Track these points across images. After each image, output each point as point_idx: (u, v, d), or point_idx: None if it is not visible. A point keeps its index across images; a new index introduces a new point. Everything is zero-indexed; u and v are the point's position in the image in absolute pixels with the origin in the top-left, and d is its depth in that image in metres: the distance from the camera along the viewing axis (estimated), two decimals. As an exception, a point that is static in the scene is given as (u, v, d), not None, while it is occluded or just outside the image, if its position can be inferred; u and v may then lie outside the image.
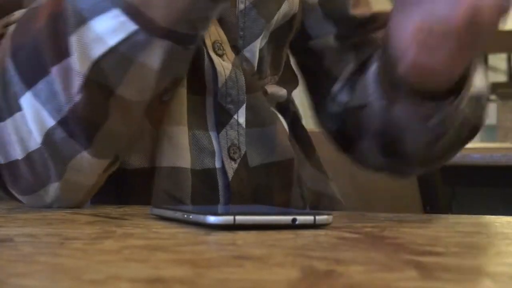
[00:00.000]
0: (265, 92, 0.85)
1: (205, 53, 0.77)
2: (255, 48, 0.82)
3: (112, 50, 0.65)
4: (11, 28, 0.69)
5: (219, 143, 0.78)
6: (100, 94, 0.66)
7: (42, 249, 0.44)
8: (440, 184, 2.12)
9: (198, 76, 0.77)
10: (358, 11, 0.90)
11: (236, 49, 0.81)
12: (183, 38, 0.66)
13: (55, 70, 0.65)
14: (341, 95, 0.92)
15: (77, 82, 0.65)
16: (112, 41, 0.65)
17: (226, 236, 0.48)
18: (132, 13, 0.64)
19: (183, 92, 0.77)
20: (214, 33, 0.79)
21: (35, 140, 0.67)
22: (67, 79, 0.65)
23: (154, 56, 0.66)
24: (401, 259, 0.40)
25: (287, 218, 0.52)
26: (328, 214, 0.53)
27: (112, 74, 0.66)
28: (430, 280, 0.33)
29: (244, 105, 0.79)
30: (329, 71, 0.92)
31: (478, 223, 0.61)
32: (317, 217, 0.52)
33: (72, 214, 0.64)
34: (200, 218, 0.52)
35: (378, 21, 0.91)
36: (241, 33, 0.81)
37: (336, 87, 0.93)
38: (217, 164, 0.78)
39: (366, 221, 0.60)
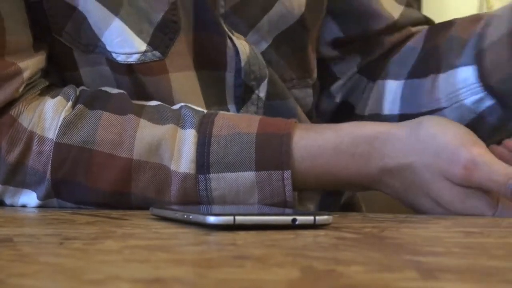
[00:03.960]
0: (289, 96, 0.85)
1: (225, 32, 0.78)
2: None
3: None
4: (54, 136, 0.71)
5: None
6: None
7: (42, 249, 0.44)
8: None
9: (218, 53, 0.78)
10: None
11: None
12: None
13: None
14: (338, 94, 0.93)
15: None
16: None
17: (226, 236, 0.48)
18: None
19: (192, 76, 0.77)
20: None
21: None
22: None
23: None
24: (401, 259, 0.40)
25: (287, 218, 0.52)
26: (328, 214, 0.53)
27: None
28: (430, 280, 0.33)
29: (266, 80, 0.80)
30: (328, 69, 0.93)
31: (478, 223, 0.61)
32: (317, 217, 0.52)
33: (71, 214, 0.64)
34: (200, 218, 0.52)
35: (385, 22, 0.91)
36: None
37: (336, 86, 0.93)
38: None
39: (366, 221, 0.60)
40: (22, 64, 0.72)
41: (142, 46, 0.74)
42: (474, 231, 0.54)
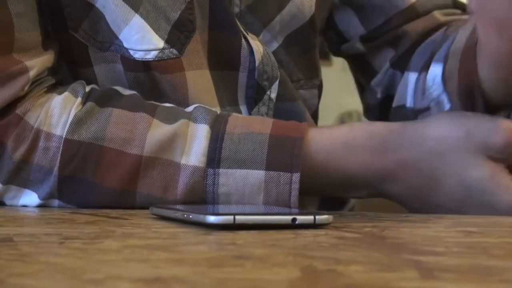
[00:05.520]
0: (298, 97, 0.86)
1: (240, 32, 0.78)
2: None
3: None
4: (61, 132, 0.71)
5: None
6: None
7: (42, 249, 0.44)
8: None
9: (233, 53, 0.78)
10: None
11: None
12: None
13: None
14: (378, 89, 0.93)
15: None
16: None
17: (226, 236, 0.48)
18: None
19: (207, 74, 0.77)
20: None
21: None
22: None
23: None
24: (401, 259, 0.40)
25: (287, 218, 0.52)
26: (328, 214, 0.53)
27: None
28: (430, 280, 0.33)
29: (278, 81, 0.80)
30: (368, 64, 0.94)
31: (478, 223, 0.61)
32: (317, 217, 0.52)
33: (71, 214, 0.64)
34: (200, 217, 0.52)
35: (401, 6, 0.91)
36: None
37: (375, 81, 0.93)
38: None
39: (366, 221, 0.60)
40: (28, 63, 0.72)
41: (160, 43, 0.75)
42: (474, 231, 0.54)
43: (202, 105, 0.74)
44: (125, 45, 0.75)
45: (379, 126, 0.70)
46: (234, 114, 0.73)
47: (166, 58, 0.75)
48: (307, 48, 0.88)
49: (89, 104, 0.72)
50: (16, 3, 0.72)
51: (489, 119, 0.69)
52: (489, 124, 0.68)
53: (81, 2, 0.74)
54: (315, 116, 0.90)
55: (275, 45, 0.83)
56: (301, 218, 0.52)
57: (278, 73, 0.80)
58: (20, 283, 0.32)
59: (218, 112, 0.73)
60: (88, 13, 0.75)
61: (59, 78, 0.77)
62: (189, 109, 0.74)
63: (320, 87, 0.91)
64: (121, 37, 0.74)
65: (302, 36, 0.86)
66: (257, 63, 0.78)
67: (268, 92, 0.80)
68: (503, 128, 0.67)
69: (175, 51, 0.75)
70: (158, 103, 0.74)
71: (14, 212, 0.68)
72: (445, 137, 0.68)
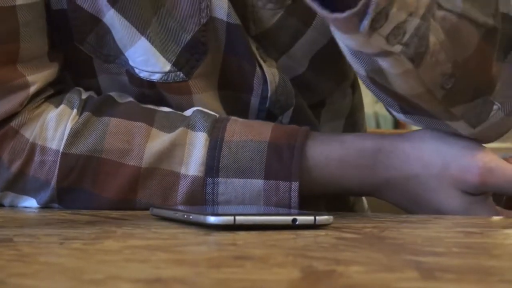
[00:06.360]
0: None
1: (256, 60, 0.76)
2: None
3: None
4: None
5: None
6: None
7: (42, 249, 0.44)
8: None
9: (246, 79, 0.76)
10: None
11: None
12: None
13: None
14: None
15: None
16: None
17: (226, 236, 0.48)
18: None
19: (215, 96, 0.76)
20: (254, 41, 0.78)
21: None
22: None
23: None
24: (401, 259, 0.40)
25: (288, 219, 0.52)
26: (328, 215, 0.53)
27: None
28: (430, 280, 0.33)
29: (292, 108, 0.78)
30: None
31: (478, 223, 0.61)
32: (318, 218, 0.52)
33: (72, 214, 0.64)
34: (200, 218, 0.52)
35: None
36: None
37: None
38: None
39: (366, 221, 0.60)
40: (31, 78, 0.72)
41: (166, 66, 0.73)
42: (474, 231, 0.54)
43: (201, 109, 0.73)
44: (131, 63, 0.73)
45: (369, 144, 0.71)
46: (233, 118, 0.72)
47: (171, 81, 0.73)
48: (335, 59, 0.85)
49: (86, 114, 0.71)
50: (26, 10, 0.71)
51: (469, 152, 0.69)
52: (466, 160, 0.68)
53: (88, 16, 0.73)
54: (353, 115, 0.89)
55: (301, 69, 0.81)
56: (301, 219, 0.52)
57: (293, 102, 0.78)
58: (20, 283, 0.32)
59: (217, 116, 0.73)
60: (94, 27, 0.73)
61: (58, 88, 0.76)
62: (188, 113, 0.73)
63: (353, 84, 0.90)
64: (126, 55, 0.73)
65: (328, 51, 0.82)
66: (269, 93, 0.76)
67: (280, 118, 0.78)
68: (479, 166, 0.68)
69: (181, 75, 0.73)
70: (156, 108, 0.74)
71: (14, 213, 0.68)
72: (427, 164, 0.69)
